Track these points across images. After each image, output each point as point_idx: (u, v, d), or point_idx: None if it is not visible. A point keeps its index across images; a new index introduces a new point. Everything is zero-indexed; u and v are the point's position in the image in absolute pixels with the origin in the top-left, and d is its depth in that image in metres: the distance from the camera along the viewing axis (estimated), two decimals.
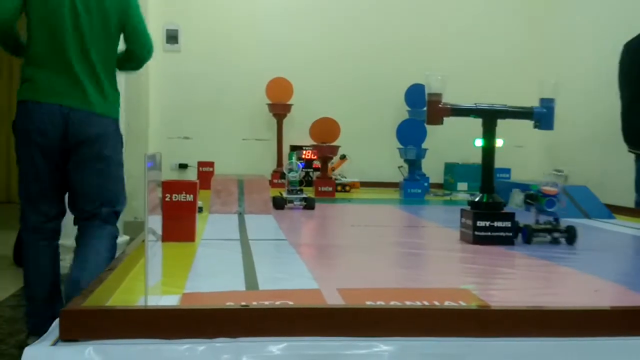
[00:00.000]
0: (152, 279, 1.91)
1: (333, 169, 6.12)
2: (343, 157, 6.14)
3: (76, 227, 4.03)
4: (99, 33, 3.89)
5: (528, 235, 3.58)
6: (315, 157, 6.92)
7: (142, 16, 4.12)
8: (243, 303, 1.87)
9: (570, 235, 3.60)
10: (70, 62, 3.79)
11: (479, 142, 3.68)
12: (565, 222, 3.70)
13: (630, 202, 5.48)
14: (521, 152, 7.43)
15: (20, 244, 5.28)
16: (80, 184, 3.88)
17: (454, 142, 6.84)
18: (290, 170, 5.07)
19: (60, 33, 3.78)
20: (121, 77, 5.35)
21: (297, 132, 7.25)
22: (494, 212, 3.55)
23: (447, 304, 2.02)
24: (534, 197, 3.67)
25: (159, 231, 2.06)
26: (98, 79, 3.87)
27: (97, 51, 3.88)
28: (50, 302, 3.75)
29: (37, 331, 3.40)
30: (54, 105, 3.74)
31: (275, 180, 6.61)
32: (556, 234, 3.62)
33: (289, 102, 7.31)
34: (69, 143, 3.79)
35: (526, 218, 3.73)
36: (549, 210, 3.62)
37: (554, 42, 7.45)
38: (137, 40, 4.07)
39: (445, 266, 3.10)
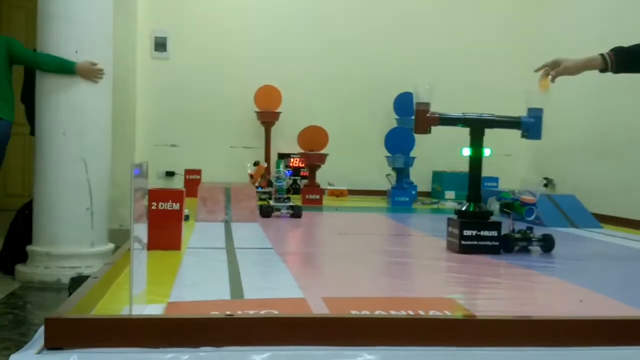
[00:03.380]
0: (137, 288, 1.91)
1: (251, 176, 5.80)
2: (257, 164, 5.85)
3: None
4: None
5: (510, 244, 3.58)
6: (303, 165, 6.92)
7: None
8: (228, 312, 1.87)
9: (547, 243, 3.63)
10: None
11: (467, 151, 3.69)
12: (542, 230, 3.71)
13: (617, 211, 5.49)
14: (509, 161, 7.44)
15: (7, 250, 5.26)
16: None
17: (442, 151, 6.84)
18: (278, 178, 5.06)
19: None
20: (109, 84, 5.36)
21: (285, 140, 7.25)
22: (481, 221, 3.56)
23: (432, 313, 2.02)
24: (511, 206, 3.66)
25: (145, 239, 2.06)
26: None
27: None
28: None
29: None
30: None
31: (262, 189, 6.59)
32: (532, 243, 3.64)
33: (277, 110, 7.31)
34: None
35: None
36: (528, 219, 3.62)
37: (541, 51, 7.48)
38: None
39: (431, 275, 3.10)
